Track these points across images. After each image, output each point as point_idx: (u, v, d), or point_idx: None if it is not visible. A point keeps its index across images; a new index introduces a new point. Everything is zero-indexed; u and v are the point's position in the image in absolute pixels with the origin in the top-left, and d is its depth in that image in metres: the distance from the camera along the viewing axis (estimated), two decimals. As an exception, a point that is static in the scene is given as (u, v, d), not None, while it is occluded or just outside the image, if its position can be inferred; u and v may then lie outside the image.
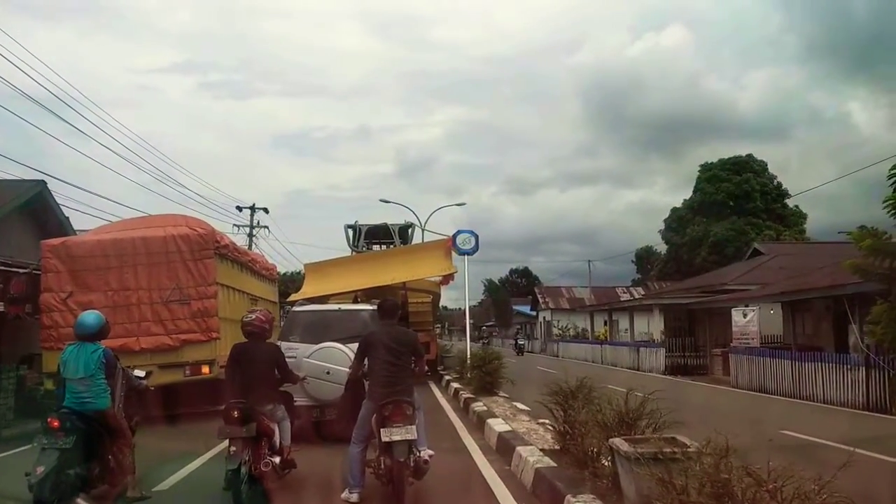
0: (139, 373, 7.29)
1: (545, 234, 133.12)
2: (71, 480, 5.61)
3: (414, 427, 5.78)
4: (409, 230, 24.39)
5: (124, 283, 11.61)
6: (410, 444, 5.78)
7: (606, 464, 5.61)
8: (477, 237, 17.71)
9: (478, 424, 10.24)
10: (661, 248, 68.66)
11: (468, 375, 15.71)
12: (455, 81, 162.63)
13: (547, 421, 9.26)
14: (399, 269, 15.70)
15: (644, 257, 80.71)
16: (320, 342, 9.26)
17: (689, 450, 4.14)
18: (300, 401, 8.56)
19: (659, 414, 5.51)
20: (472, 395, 12.97)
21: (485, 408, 11.03)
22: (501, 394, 13.26)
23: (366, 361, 6.26)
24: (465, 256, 17.58)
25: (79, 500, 5.55)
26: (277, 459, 6.17)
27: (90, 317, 6.60)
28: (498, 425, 9.01)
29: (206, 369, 11.65)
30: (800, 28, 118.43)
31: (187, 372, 11.61)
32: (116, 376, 6.43)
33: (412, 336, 6.70)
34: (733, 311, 20.85)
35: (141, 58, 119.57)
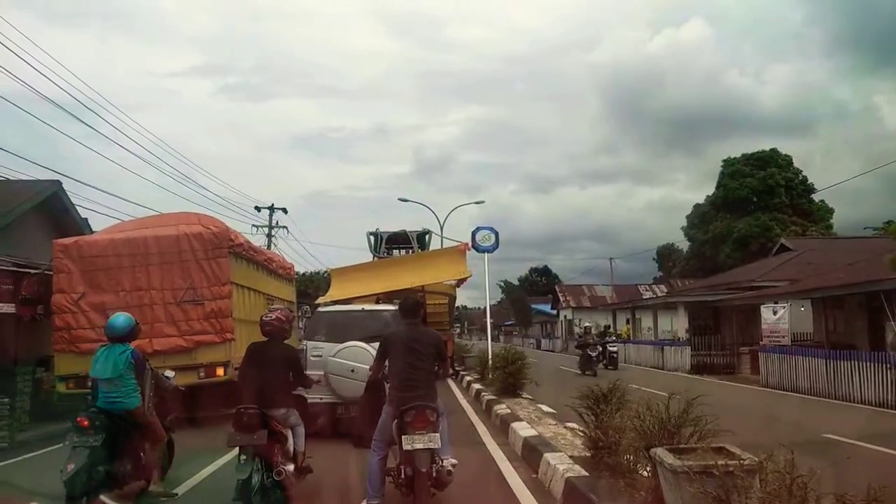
0: (168, 373, 7.54)
1: (565, 233, 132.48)
2: (101, 477, 5.83)
3: (437, 435, 5.44)
4: (427, 236, 25.69)
5: (137, 283, 11.33)
6: (433, 453, 5.43)
7: (645, 474, 5.16)
8: (497, 234, 17.27)
9: (501, 428, 9.82)
10: (683, 245, 67.84)
11: (490, 376, 15.29)
12: (472, 80, 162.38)
13: (575, 425, 8.82)
14: (417, 273, 16.50)
15: (665, 255, 79.65)
16: (345, 341, 9.56)
17: (744, 463, 3.68)
18: (326, 398, 9.28)
19: (704, 421, 5.02)
20: (494, 397, 12.54)
21: (508, 410, 10.60)
22: (525, 395, 12.80)
23: (386, 363, 5.93)
24: (486, 254, 17.13)
25: (103, 498, 5.62)
26: (291, 467, 5.87)
27: (120, 318, 6.71)
28: (523, 429, 8.58)
29: (220, 371, 11.34)
30: (823, 21, 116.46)
31: (202, 374, 11.30)
32: (145, 376, 6.62)
33: (435, 336, 6.18)
34: (763, 309, 20.21)
35: (160, 61, 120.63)
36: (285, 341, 6.49)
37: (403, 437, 5.37)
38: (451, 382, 18.40)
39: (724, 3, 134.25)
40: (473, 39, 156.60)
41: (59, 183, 16.44)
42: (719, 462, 3.65)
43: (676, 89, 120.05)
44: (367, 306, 11.88)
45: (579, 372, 22.99)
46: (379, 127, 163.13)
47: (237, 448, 5.59)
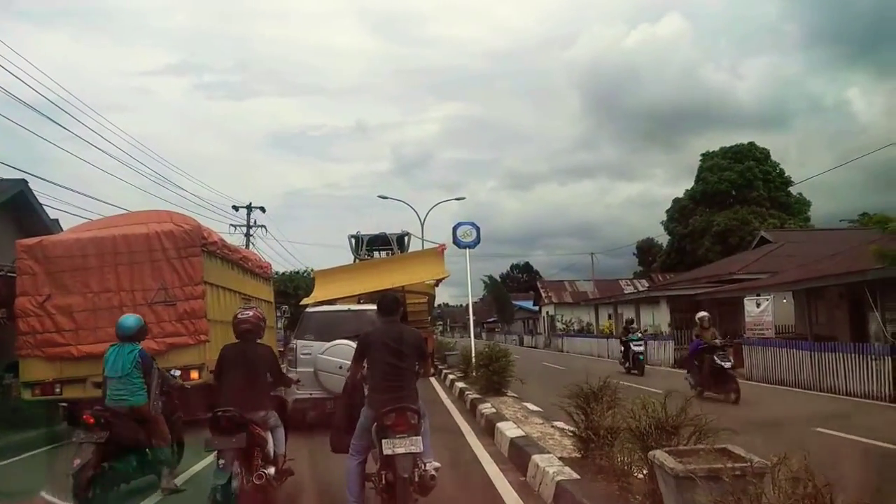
0: (175, 372, 7.87)
1: (545, 229, 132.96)
2: (106, 472, 6.18)
3: (419, 438, 5.17)
4: (406, 238, 26.96)
5: (105, 284, 10.85)
6: (415, 457, 5.12)
7: (641, 477, 4.89)
8: (478, 229, 16.99)
9: (487, 428, 9.52)
10: (663, 240, 68.13)
11: (473, 374, 14.99)
12: (451, 77, 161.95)
13: (563, 424, 8.57)
14: (398, 274, 16.84)
15: (645, 249, 79.96)
16: (332, 340, 10.24)
17: (754, 465, 3.39)
18: (315, 393, 10.04)
19: (704, 419, 4.75)
20: (478, 396, 12.24)
21: (493, 410, 10.30)
22: (510, 393, 12.52)
23: (365, 363, 5.63)
24: (467, 250, 16.83)
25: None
26: (272, 470, 5.64)
27: (129, 319, 7.19)
28: (509, 429, 8.29)
29: (195, 374, 10.89)
30: (799, 15, 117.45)
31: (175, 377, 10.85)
32: (152, 375, 6.95)
33: (416, 335, 5.88)
34: (746, 301, 20.14)
35: (135, 60, 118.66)
36: (259, 341, 6.27)
37: (384, 440, 5.10)
38: (433, 381, 18.09)
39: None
40: (453, 37, 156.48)
41: (24, 182, 15.89)
42: (727, 465, 3.37)
43: (653, 85, 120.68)
44: (353, 306, 12.27)
45: (623, 371, 21.12)
46: (358, 125, 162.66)
47: (214, 452, 5.39)
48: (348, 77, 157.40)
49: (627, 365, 21.75)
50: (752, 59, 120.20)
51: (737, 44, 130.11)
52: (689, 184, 57.50)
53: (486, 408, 10.56)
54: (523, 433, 8.01)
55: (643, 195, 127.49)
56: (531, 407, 10.70)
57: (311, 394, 10.03)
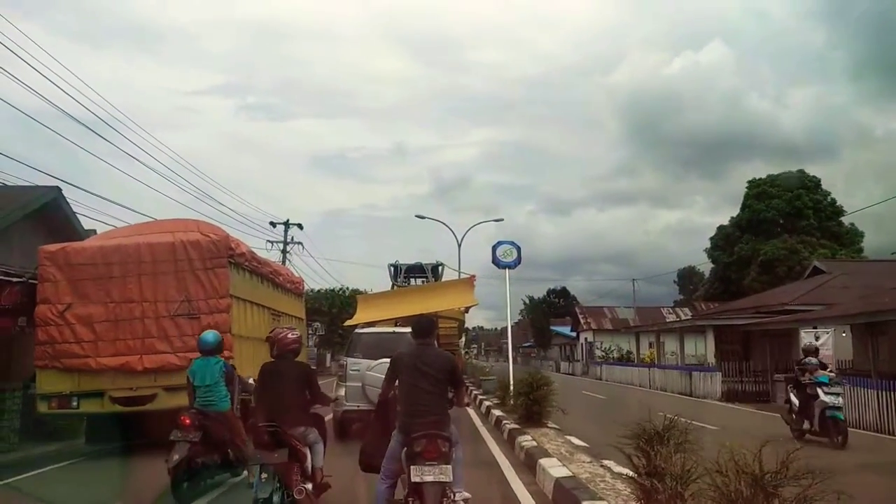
0: (251, 381, 8.19)
1: (583, 254, 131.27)
2: (198, 467, 7.19)
3: (449, 467, 4.95)
4: (440, 268, 29.50)
5: (128, 294, 10.37)
6: (444, 486, 4.91)
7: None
8: (518, 249, 16.20)
9: (527, 463, 8.66)
10: (705, 268, 66.41)
11: (511, 402, 14.12)
12: (490, 103, 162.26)
13: (612, 463, 7.69)
14: (431, 301, 17.74)
15: (686, 277, 78.27)
16: (379, 358, 10.76)
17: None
18: (363, 405, 11.06)
19: (811, 477, 3.85)
20: (517, 426, 11.38)
21: (534, 443, 9.44)
22: (551, 424, 11.63)
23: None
24: (507, 270, 16.04)
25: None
26: (310, 485, 5.85)
27: (210, 335, 8.17)
28: (554, 468, 7.42)
29: (217, 393, 10.29)
30: (847, 44, 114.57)
31: (196, 396, 10.26)
32: (234, 383, 8.06)
33: (448, 359, 5.60)
34: (803, 334, 18.88)
35: (182, 81, 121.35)
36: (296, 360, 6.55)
37: (412, 467, 4.93)
38: (470, 410, 17.25)
39: (743, 26, 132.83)
40: (492, 63, 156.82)
41: (58, 189, 15.63)
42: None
43: (696, 112, 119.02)
44: (397, 329, 13.10)
45: (795, 431, 12.44)
46: (397, 147, 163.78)
47: (256, 466, 5.59)
48: (387, 100, 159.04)
49: (806, 425, 12.28)
50: (797, 88, 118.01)
51: (782, 72, 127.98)
52: (731, 212, 56.00)
53: (526, 440, 9.70)
54: (570, 473, 7.14)
55: (683, 223, 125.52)
56: (575, 441, 9.79)
57: (358, 406, 11.28)
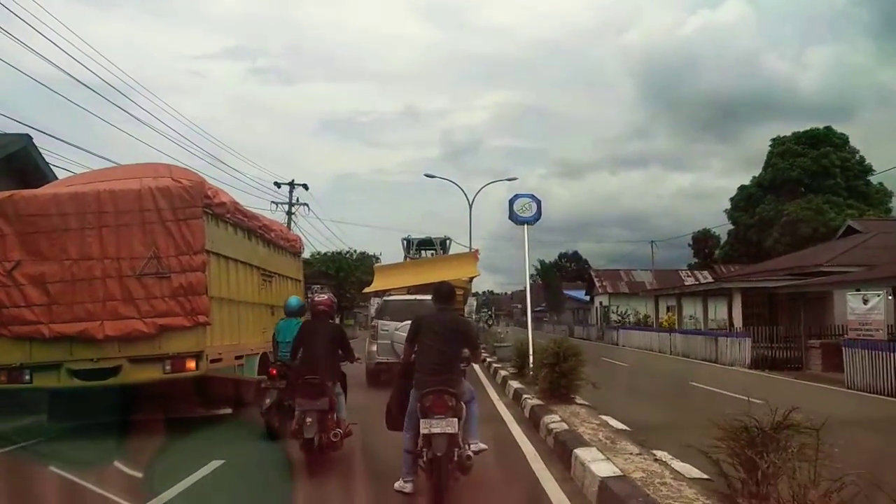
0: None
1: (595, 218, 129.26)
2: (285, 410, 7.78)
3: (456, 420, 5.43)
4: (448, 242, 33.38)
5: (86, 250, 8.82)
6: (452, 437, 5.37)
7: None
8: (539, 202, 14.50)
9: (557, 451, 7.17)
10: (720, 230, 64.42)
11: (531, 373, 12.64)
12: (502, 65, 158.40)
13: (666, 455, 6.19)
14: (439, 271, 19.02)
15: (701, 240, 76.27)
16: (405, 321, 11.77)
17: None
18: (391, 359, 13.16)
19: None
20: (540, 402, 9.88)
21: (564, 425, 7.92)
22: (580, 401, 10.11)
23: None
24: (525, 226, 14.40)
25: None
26: (340, 430, 6.76)
27: (294, 300, 9.06)
28: (595, 462, 5.88)
29: (191, 364, 8.83)
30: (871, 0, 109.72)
31: (167, 368, 8.80)
32: None
33: (466, 323, 6.56)
34: (849, 297, 17.20)
35: (192, 44, 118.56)
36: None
37: (422, 420, 5.42)
38: (483, 378, 15.81)
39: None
40: (504, 24, 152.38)
41: (28, 137, 14.07)
42: None
43: (712, 73, 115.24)
44: (419, 296, 14.72)
45: None
46: (408, 111, 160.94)
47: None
48: (398, 63, 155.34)
49: None
50: (818, 48, 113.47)
51: (802, 31, 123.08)
52: (746, 176, 54.26)
53: (554, 421, 8.19)
54: (617, 470, 5.60)
55: (696, 186, 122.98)
56: (613, 423, 8.25)
57: (387, 359, 13.49)
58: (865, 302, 16.53)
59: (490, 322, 38.46)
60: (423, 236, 33.06)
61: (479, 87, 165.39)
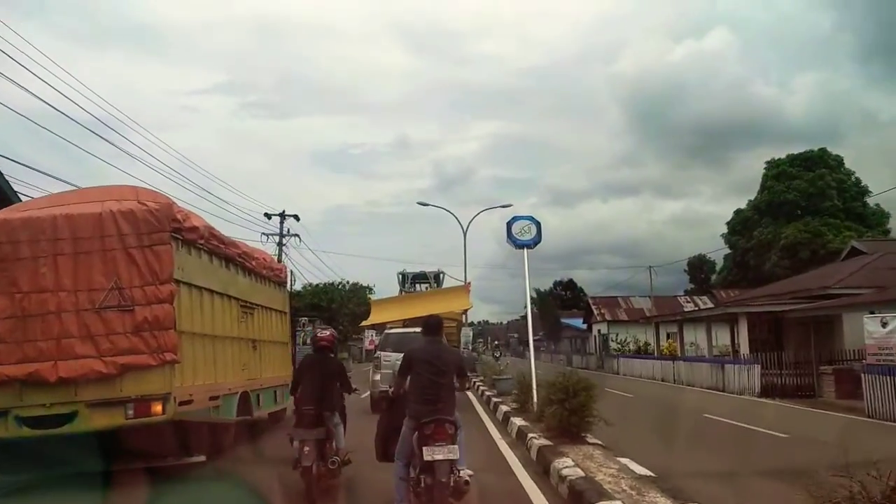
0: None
1: (588, 246, 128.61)
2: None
3: (456, 447, 5.67)
4: (441, 275, 35.41)
5: (39, 282, 7.87)
6: (452, 464, 5.59)
7: None
8: (538, 225, 13.65)
9: (572, 502, 6.20)
10: (715, 256, 63.87)
11: (534, 408, 11.68)
12: (491, 96, 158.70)
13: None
14: (433, 305, 19.79)
15: (697, 265, 75.71)
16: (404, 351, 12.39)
17: None
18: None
19: None
20: (548, 442, 8.90)
21: (579, 471, 6.95)
22: (592, 439, 9.13)
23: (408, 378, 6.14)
24: (525, 250, 13.53)
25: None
26: (338, 459, 6.99)
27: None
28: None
29: (157, 407, 7.84)
30: (856, 26, 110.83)
31: (130, 412, 7.81)
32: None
33: (456, 354, 6.81)
34: (866, 320, 16.33)
35: (184, 80, 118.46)
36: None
37: (424, 448, 5.59)
38: (483, 415, 14.81)
39: (748, 12, 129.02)
40: (493, 55, 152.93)
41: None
42: None
43: (700, 100, 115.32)
44: (417, 329, 15.29)
45: None
46: (399, 142, 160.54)
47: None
48: (388, 95, 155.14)
49: None
50: (803, 74, 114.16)
51: (787, 58, 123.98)
52: (736, 201, 53.67)
53: (567, 466, 7.22)
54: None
55: (687, 212, 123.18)
56: (634, 468, 7.27)
57: (389, 387, 13.12)
58: (884, 325, 15.66)
59: (497, 354, 38.19)
60: (417, 270, 35.39)
61: (469, 118, 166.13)
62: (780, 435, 11.29)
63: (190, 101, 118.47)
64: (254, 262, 11.85)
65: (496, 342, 67.36)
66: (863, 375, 16.12)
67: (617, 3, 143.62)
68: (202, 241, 9.27)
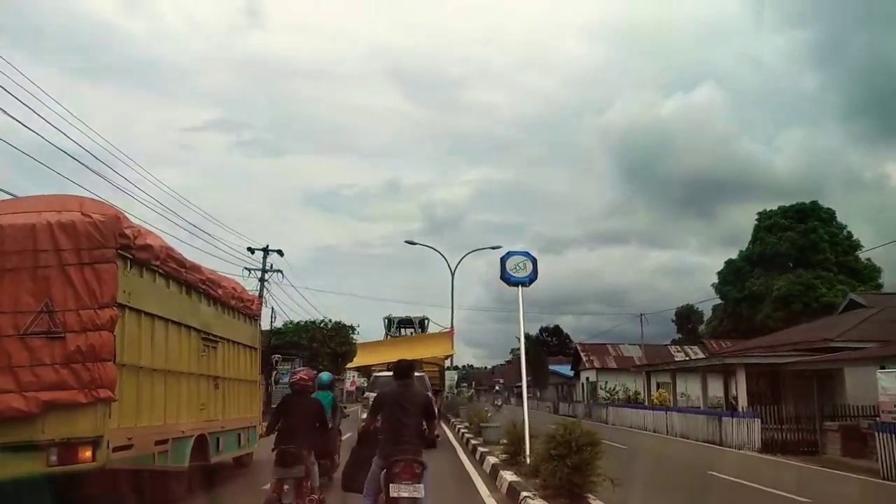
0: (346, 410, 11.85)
1: (575, 294, 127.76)
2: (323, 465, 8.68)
3: (421, 486, 5.85)
4: (426, 321, 37.10)
5: (-42, 301, 6.74)
6: (416, 502, 5.81)
7: None
8: (535, 261, 12.63)
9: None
10: (703, 306, 63.21)
11: (527, 461, 10.49)
12: (483, 142, 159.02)
13: None
14: (417, 349, 21.42)
15: (685, 315, 74.99)
16: None
17: None
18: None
19: None
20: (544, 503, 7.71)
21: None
22: (594, 500, 7.94)
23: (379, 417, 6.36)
24: (520, 287, 12.48)
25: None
26: (315, 497, 7.14)
27: (325, 376, 10.72)
28: None
29: (86, 453, 6.63)
30: (840, 87, 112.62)
31: (53, 458, 6.59)
32: (337, 412, 10.82)
33: (424, 396, 6.82)
34: (880, 375, 15.32)
35: (179, 117, 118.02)
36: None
37: (391, 485, 5.82)
38: (468, 464, 13.53)
39: (736, 70, 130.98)
40: (487, 103, 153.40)
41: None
42: None
43: (688, 153, 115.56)
44: None
45: None
46: (390, 185, 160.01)
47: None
48: (381, 138, 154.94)
49: None
50: (789, 131, 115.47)
51: (773, 115, 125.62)
52: (722, 253, 53.47)
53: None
54: None
55: (675, 262, 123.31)
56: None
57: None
58: (899, 380, 14.63)
59: (499, 402, 37.68)
60: (403, 315, 37.52)
61: (461, 163, 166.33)
62: (800, 499, 10.17)
63: (185, 138, 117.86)
64: (220, 291, 10.70)
65: (496, 388, 65.41)
66: (876, 434, 15.04)
67: (610, 56, 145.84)
68: (157, 263, 8.15)
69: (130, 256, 7.47)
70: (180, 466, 8.65)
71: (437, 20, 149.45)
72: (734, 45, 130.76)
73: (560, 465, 7.72)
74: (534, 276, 12.47)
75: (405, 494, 5.75)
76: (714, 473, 13.36)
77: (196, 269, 9.73)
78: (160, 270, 8.30)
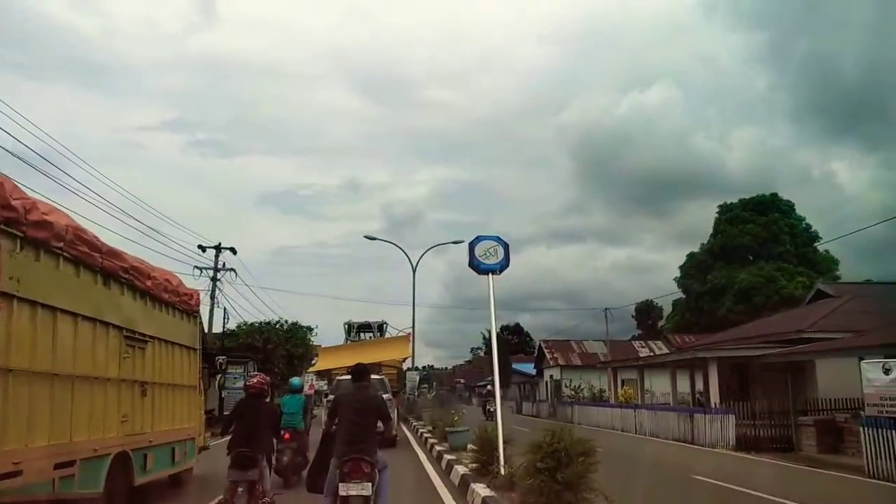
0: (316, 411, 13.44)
1: (533, 292, 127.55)
2: (297, 465, 10.87)
3: (370, 484, 6.02)
4: (384, 326, 38.28)
5: None
6: (366, 500, 5.99)
7: None
8: (506, 246, 11.45)
9: None
10: (662, 301, 63.41)
11: (502, 470, 9.30)
12: (441, 141, 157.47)
13: None
14: (376, 353, 22.96)
15: (644, 311, 75.23)
16: None
17: None
18: None
19: None
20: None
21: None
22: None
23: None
24: (490, 275, 11.28)
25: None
26: (268, 499, 7.37)
27: (296, 380, 13.07)
28: None
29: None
30: (790, 87, 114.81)
31: None
32: (308, 414, 12.38)
33: (379, 399, 7.16)
34: (865, 366, 14.52)
35: (131, 117, 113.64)
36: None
37: (340, 484, 6.03)
38: (434, 474, 12.28)
39: (689, 69, 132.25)
40: (445, 102, 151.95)
41: None
42: None
43: (643, 151, 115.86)
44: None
45: None
46: (348, 184, 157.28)
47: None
48: (338, 138, 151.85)
49: None
50: (740, 129, 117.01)
51: (726, 113, 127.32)
52: (679, 250, 53.46)
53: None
54: None
55: (631, 259, 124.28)
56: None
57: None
58: (887, 372, 13.86)
59: (491, 409, 34.69)
60: (362, 321, 38.39)
61: (418, 163, 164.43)
62: (782, 502, 9.27)
63: (137, 138, 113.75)
64: (149, 283, 9.24)
65: (485, 390, 64.03)
66: (861, 429, 14.30)
67: (566, 58, 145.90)
68: (60, 245, 6.71)
69: (20, 234, 6.02)
70: (93, 492, 7.17)
71: (393, 19, 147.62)
72: (688, 45, 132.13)
73: (548, 481, 6.50)
74: (505, 263, 11.28)
75: (353, 493, 5.94)
76: (699, 477, 12.38)
77: (116, 255, 8.26)
78: (66, 254, 6.86)
